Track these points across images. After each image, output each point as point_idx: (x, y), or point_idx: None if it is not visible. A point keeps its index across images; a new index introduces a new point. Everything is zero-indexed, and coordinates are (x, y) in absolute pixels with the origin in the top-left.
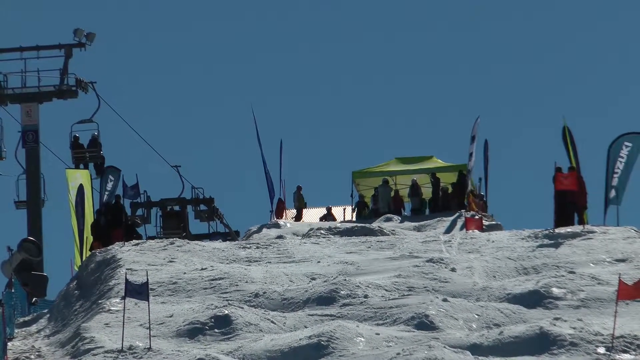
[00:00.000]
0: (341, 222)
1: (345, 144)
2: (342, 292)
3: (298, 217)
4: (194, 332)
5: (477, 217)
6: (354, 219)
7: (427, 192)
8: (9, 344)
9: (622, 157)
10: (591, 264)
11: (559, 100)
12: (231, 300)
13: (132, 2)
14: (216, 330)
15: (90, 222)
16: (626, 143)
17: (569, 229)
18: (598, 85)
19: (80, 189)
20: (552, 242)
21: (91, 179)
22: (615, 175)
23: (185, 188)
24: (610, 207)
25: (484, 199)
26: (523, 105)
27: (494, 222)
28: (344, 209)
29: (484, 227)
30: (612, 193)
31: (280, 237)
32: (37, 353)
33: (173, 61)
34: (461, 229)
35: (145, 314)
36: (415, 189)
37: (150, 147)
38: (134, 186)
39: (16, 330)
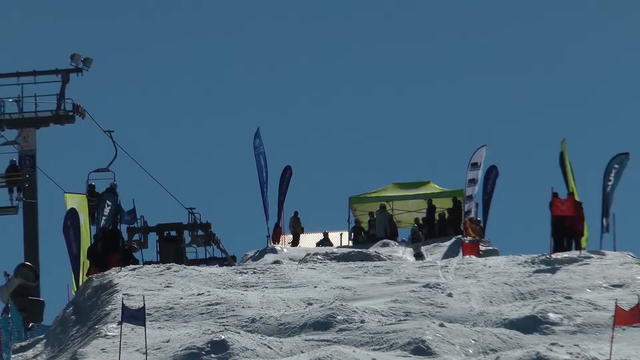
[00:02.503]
0: (338, 247)
1: (343, 169)
2: (339, 317)
3: (295, 243)
4: (190, 357)
5: (474, 242)
6: (351, 244)
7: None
8: None
9: (610, 180)
10: (588, 290)
11: (556, 126)
12: (228, 326)
13: (129, 28)
14: (213, 355)
15: (87, 247)
16: (615, 165)
17: (565, 255)
18: (597, 106)
19: (71, 212)
20: (549, 267)
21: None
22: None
23: (182, 214)
24: (607, 233)
25: (481, 224)
26: (520, 130)
27: (490, 248)
28: (341, 234)
29: (480, 252)
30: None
31: (277, 262)
32: None
33: (170, 85)
34: (458, 254)
35: (141, 339)
36: (415, 235)
37: (168, 192)
38: (130, 211)
39: (13, 356)
